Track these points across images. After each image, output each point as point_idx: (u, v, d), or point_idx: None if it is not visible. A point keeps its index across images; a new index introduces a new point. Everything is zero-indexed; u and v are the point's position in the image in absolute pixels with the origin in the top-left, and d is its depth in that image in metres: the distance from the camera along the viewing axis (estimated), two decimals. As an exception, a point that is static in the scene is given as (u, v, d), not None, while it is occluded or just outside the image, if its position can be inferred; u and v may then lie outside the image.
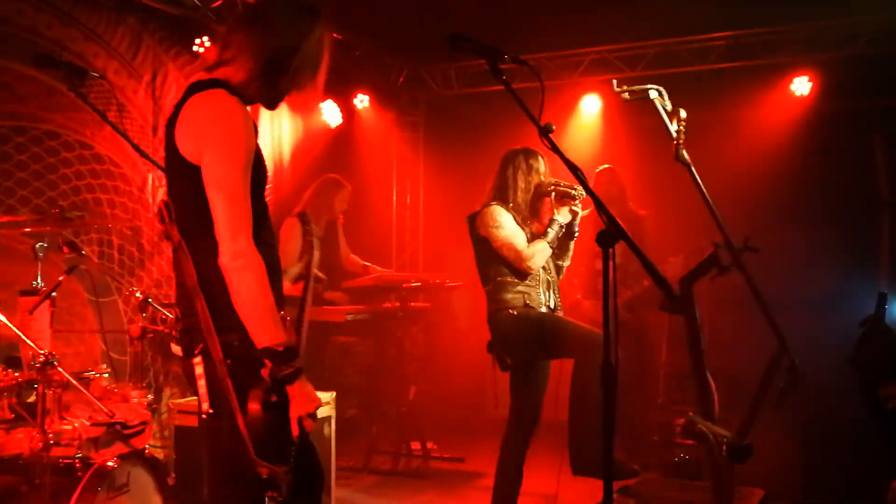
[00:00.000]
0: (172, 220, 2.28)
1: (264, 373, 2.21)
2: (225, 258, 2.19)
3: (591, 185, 2.60)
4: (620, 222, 2.38)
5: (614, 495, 2.47)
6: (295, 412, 2.27)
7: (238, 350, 2.23)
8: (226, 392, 2.20)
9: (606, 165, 6.16)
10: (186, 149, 2.26)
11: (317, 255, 2.83)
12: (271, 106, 2.48)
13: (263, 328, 2.20)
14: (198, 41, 5.79)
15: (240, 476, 2.29)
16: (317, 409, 2.31)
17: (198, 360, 2.27)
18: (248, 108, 2.39)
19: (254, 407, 2.21)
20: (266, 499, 2.31)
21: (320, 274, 2.85)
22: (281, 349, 2.21)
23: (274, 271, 2.36)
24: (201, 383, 2.26)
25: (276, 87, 2.40)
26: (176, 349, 2.36)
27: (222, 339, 2.22)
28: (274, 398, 2.23)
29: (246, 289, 2.19)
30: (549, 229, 4.13)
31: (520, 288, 4.15)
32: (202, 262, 2.24)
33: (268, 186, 2.46)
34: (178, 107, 2.32)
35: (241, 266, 2.19)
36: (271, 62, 2.35)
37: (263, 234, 2.35)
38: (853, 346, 3.51)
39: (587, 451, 3.93)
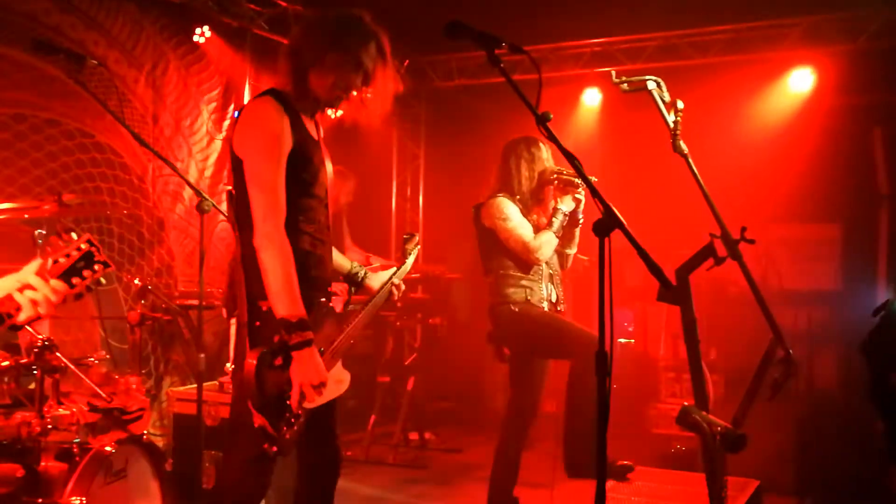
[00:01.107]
0: (231, 207, 2.69)
1: (276, 338, 2.48)
2: (256, 239, 2.54)
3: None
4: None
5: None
6: (297, 378, 2.49)
7: (267, 314, 2.54)
8: (244, 349, 2.55)
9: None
10: (235, 146, 2.65)
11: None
12: (329, 102, 2.79)
13: (281, 301, 2.50)
14: (198, 31, 5.79)
15: (242, 427, 2.52)
16: (321, 383, 2.52)
17: (233, 320, 2.67)
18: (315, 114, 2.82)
19: (249, 362, 2.48)
20: (270, 457, 2.51)
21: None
22: (294, 320, 2.48)
23: (315, 258, 2.71)
24: (234, 342, 2.67)
25: (308, 81, 2.69)
26: (223, 311, 2.58)
27: (257, 304, 2.56)
28: (279, 361, 2.49)
29: (269, 266, 2.51)
30: (553, 219, 4.11)
31: (522, 282, 4.14)
32: (245, 242, 2.61)
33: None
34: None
35: (266, 246, 2.52)
36: (293, 60, 2.71)
37: (308, 226, 2.69)
38: (867, 333, 3.50)
39: (581, 455, 3.94)
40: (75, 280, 1.97)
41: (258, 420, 2.45)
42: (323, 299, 2.75)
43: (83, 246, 1.99)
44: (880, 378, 3.55)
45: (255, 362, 2.46)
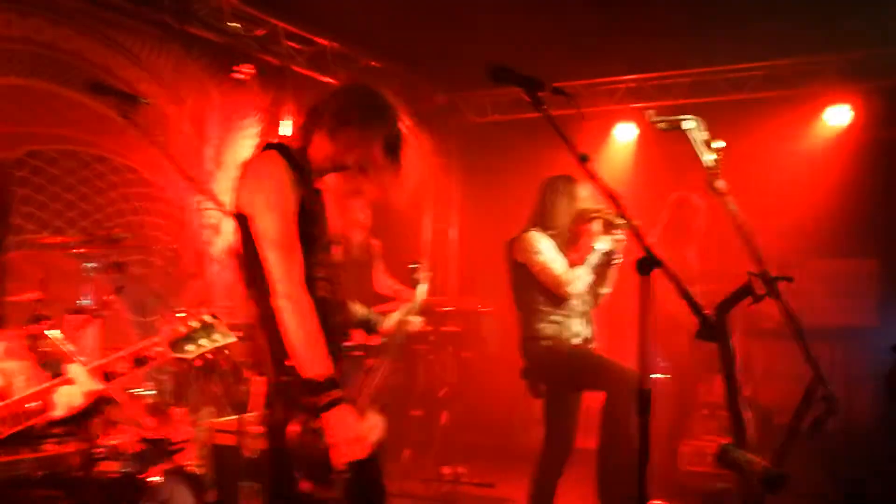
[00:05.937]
0: (241, 266, 2.59)
1: (305, 401, 2.43)
2: (275, 300, 2.47)
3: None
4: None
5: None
6: (331, 439, 2.44)
7: (293, 369, 2.47)
8: (276, 410, 2.49)
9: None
10: (241, 202, 2.57)
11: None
12: (319, 172, 2.67)
13: (306, 362, 2.45)
14: (240, 69, 5.93)
15: (282, 491, 2.49)
16: (356, 440, 2.47)
17: (259, 380, 2.56)
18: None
19: (292, 429, 2.44)
20: None
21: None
22: (322, 380, 2.44)
23: (334, 304, 2.63)
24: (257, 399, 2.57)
25: (310, 144, 2.65)
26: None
27: (282, 361, 2.48)
28: (314, 424, 2.44)
29: (291, 327, 2.45)
30: (589, 256, 4.13)
31: (553, 317, 4.15)
32: (260, 301, 2.52)
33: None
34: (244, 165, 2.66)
35: (286, 307, 2.45)
36: (307, 119, 2.69)
37: (321, 271, 2.59)
38: (889, 372, 3.47)
39: (616, 489, 3.92)
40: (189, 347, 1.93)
41: (304, 486, 2.44)
42: (348, 344, 2.73)
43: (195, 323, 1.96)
44: None
45: (292, 430, 2.44)
